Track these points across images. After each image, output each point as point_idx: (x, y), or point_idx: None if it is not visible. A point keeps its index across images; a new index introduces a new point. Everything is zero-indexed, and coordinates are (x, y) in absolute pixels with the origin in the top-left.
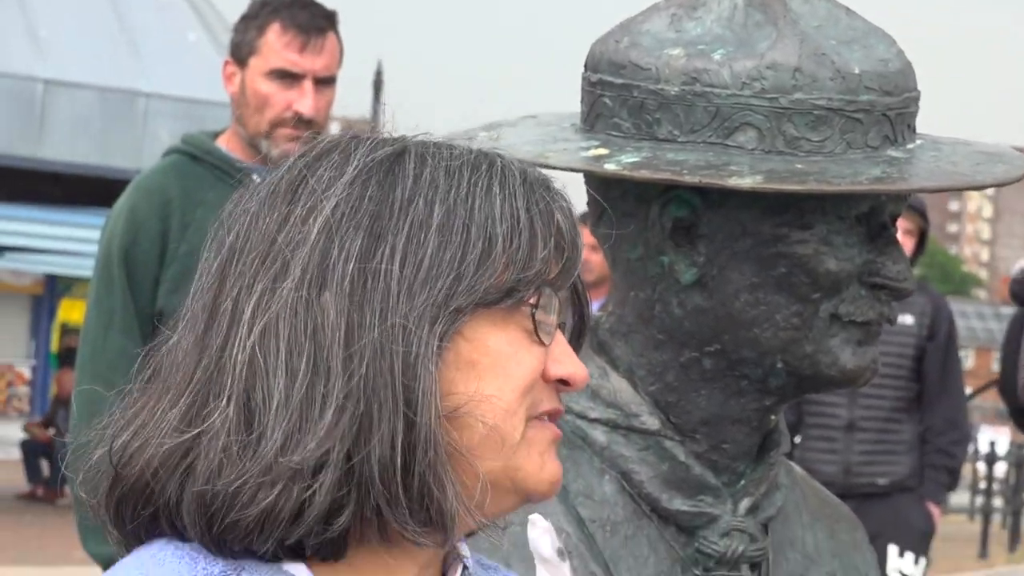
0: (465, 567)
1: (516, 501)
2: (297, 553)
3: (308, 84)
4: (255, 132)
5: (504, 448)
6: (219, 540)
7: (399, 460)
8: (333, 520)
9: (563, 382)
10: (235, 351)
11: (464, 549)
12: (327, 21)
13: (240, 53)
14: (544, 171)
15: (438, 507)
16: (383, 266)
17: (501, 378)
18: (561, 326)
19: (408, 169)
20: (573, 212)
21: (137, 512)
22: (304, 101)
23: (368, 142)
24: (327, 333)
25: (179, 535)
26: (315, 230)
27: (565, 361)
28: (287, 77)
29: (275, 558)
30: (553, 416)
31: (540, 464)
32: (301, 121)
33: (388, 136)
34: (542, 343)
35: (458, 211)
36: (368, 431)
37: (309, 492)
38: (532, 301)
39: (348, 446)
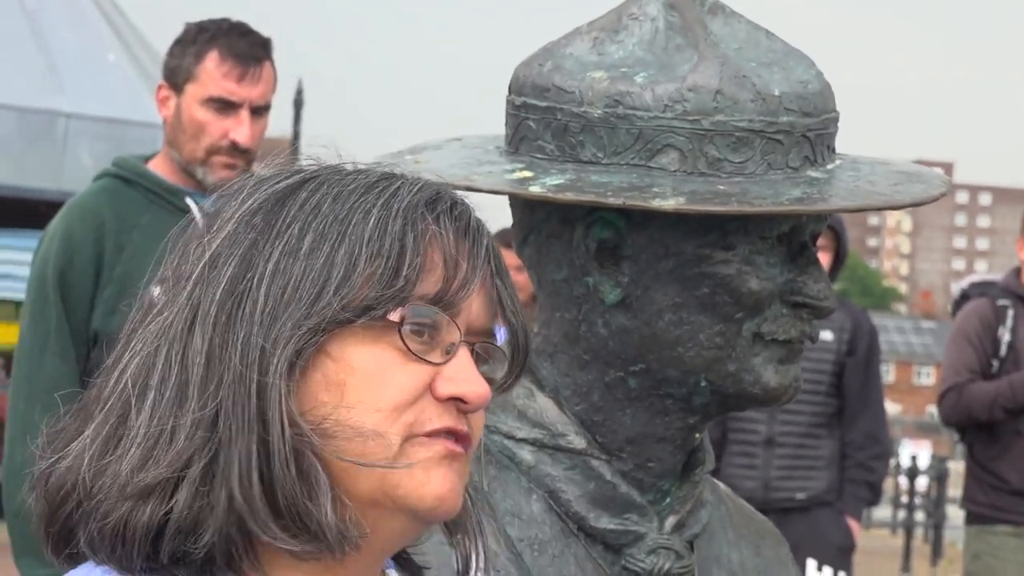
0: None
1: (406, 521)
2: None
3: (245, 113)
4: (191, 158)
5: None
6: (117, 558)
7: (255, 477)
8: (197, 535)
9: (460, 400)
10: (123, 378)
11: (391, 572)
12: (264, 50)
13: (176, 78)
14: (448, 191)
15: (314, 520)
16: (249, 294)
17: (368, 397)
18: (473, 345)
19: (301, 198)
20: (473, 230)
21: (60, 536)
22: (241, 130)
23: (274, 177)
24: (192, 360)
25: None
26: (200, 264)
27: (460, 380)
28: (224, 106)
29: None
30: (459, 436)
31: (422, 480)
32: (237, 149)
33: (301, 167)
34: (426, 361)
35: (328, 235)
36: (226, 453)
37: (165, 508)
38: (395, 318)
39: (204, 467)
